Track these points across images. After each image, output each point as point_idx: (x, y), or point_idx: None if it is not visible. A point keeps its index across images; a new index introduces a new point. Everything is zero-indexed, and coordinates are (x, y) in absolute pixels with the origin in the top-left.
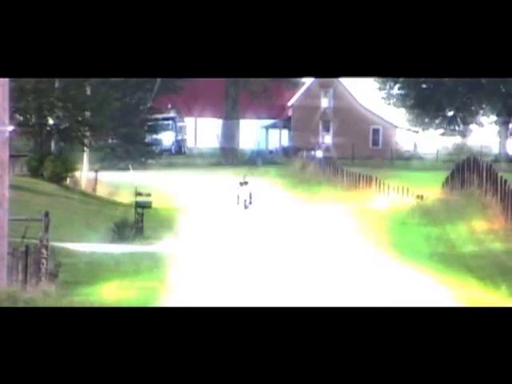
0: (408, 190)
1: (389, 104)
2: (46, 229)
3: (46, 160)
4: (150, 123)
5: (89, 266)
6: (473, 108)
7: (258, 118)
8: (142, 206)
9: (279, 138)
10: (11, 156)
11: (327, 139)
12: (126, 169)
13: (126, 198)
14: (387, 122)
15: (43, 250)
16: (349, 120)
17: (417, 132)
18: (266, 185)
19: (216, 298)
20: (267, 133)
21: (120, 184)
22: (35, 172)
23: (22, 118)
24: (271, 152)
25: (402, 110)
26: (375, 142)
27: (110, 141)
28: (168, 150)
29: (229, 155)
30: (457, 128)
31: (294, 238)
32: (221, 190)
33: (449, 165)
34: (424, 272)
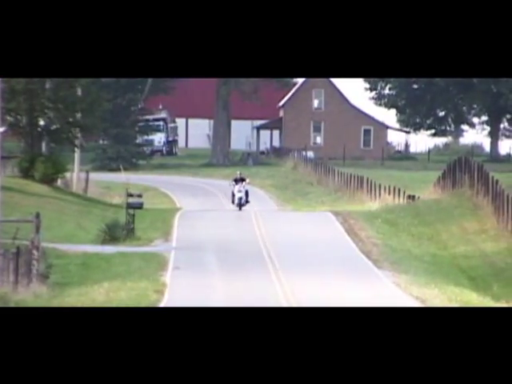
0: (399, 190)
1: (380, 104)
2: (37, 230)
3: (37, 161)
4: (140, 124)
5: (80, 267)
6: (464, 108)
7: (249, 118)
8: (133, 207)
9: (270, 139)
10: (2, 157)
11: (318, 140)
12: (117, 169)
13: (117, 198)
14: (378, 123)
15: (34, 251)
16: (340, 120)
17: (408, 132)
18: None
19: (207, 299)
20: (258, 133)
21: (111, 185)
22: (26, 173)
23: (12, 119)
24: (262, 152)
25: (393, 111)
26: (366, 143)
27: (100, 142)
28: (159, 151)
29: (220, 156)
30: (448, 128)
31: (285, 239)
32: (213, 190)
33: (440, 165)
34: (416, 273)
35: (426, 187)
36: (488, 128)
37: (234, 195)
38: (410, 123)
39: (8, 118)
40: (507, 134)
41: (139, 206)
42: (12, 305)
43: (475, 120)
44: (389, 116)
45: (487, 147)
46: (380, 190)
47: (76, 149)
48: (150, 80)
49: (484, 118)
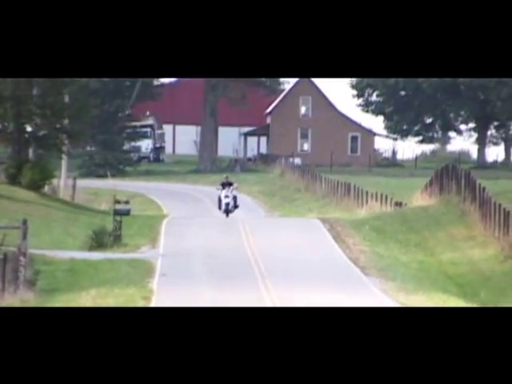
0: (387, 197)
1: (367, 111)
2: (24, 236)
3: (24, 167)
4: (128, 130)
5: (67, 273)
6: (451, 115)
7: (237, 125)
8: (120, 214)
9: (258, 145)
10: None
11: (305, 146)
12: (105, 176)
13: (104, 205)
14: (365, 130)
15: (21, 258)
16: (327, 127)
17: (395, 139)
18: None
19: (194, 305)
20: (246, 140)
21: (98, 191)
22: (13, 179)
23: None
24: (250, 159)
25: (381, 118)
26: (354, 150)
27: (88, 148)
28: (146, 158)
29: (207, 162)
30: (435, 135)
31: (272, 246)
32: (200, 197)
33: (427, 172)
34: (403, 280)
35: (413, 194)
36: (475, 135)
37: (220, 200)
38: (397, 130)
39: None
40: (494, 140)
41: (126, 213)
42: None
43: (462, 127)
44: (376, 123)
45: (474, 154)
46: (367, 196)
47: (63, 155)
48: (137, 86)
49: (471, 124)
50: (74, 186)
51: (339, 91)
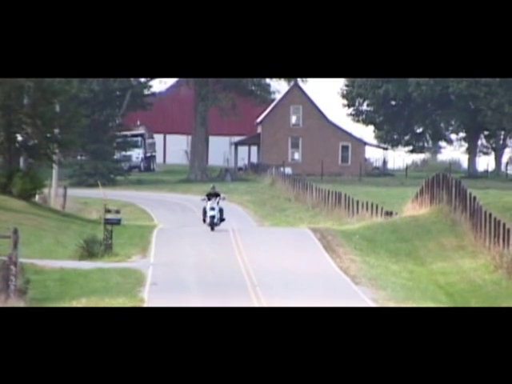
0: (377, 206)
1: (358, 121)
2: (15, 245)
3: (15, 177)
4: (118, 140)
5: (58, 282)
6: (442, 125)
7: (227, 134)
8: (111, 223)
9: (248, 155)
10: None
11: (296, 156)
12: (95, 185)
13: (94, 214)
14: (356, 139)
15: (12, 267)
16: (318, 137)
17: (386, 149)
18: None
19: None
20: (236, 149)
21: (89, 200)
22: (4, 189)
23: None
24: (240, 168)
25: (371, 127)
26: (344, 159)
27: (78, 157)
28: (137, 167)
29: (198, 172)
30: (426, 145)
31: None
32: (191, 206)
33: (418, 181)
34: (393, 289)
35: (403, 203)
36: (466, 145)
37: (205, 212)
38: (387, 139)
39: None
40: (485, 150)
41: (117, 222)
42: None
43: (453, 136)
44: (367, 132)
45: (465, 164)
46: (358, 206)
47: (54, 164)
48: (127, 96)
49: (462, 134)
50: (64, 196)
51: (330, 101)
